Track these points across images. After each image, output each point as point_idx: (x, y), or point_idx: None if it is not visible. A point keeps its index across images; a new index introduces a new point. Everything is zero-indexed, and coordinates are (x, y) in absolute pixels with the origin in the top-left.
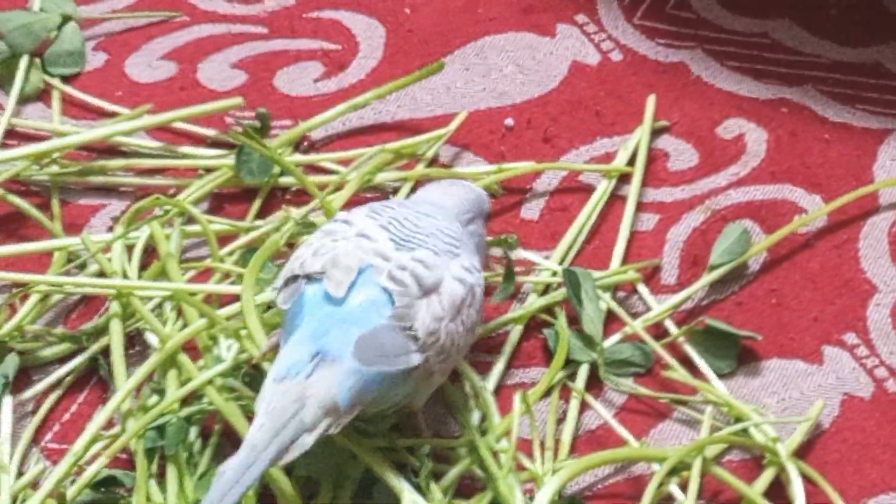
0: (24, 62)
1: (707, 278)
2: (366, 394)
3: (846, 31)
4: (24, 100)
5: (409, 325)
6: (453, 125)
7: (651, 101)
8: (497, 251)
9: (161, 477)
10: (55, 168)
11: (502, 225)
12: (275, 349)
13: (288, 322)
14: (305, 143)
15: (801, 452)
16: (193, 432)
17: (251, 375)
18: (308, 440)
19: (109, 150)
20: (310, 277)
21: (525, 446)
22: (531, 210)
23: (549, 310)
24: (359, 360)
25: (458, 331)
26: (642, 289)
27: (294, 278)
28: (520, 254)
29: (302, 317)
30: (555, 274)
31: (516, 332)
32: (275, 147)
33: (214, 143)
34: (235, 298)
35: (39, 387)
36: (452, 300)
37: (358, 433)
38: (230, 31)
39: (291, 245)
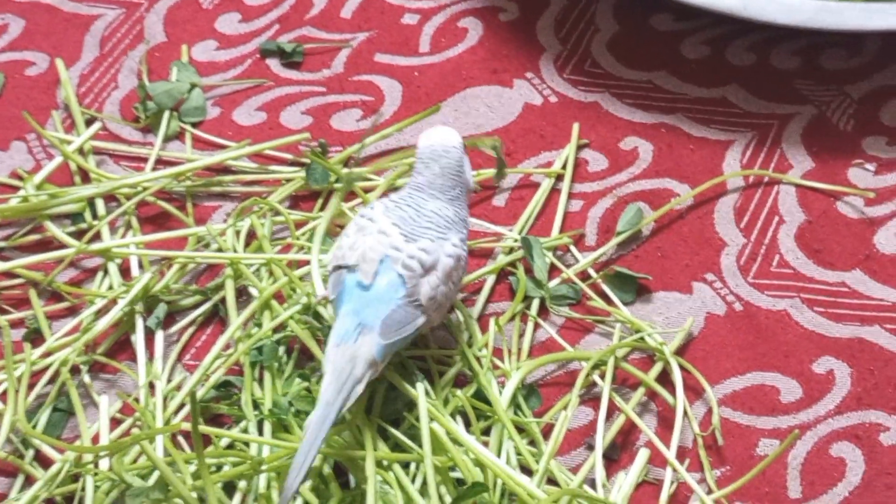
0: (166, 115)
1: (615, 241)
2: (392, 349)
3: (702, 77)
4: (167, 139)
5: (416, 299)
6: None
7: (575, 128)
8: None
9: (260, 380)
10: (188, 182)
11: (481, 210)
12: (325, 299)
13: (336, 301)
14: (351, 161)
15: (679, 352)
16: (282, 350)
17: (317, 313)
18: (359, 389)
19: (224, 169)
20: (349, 268)
21: (498, 353)
22: (500, 199)
23: (512, 264)
24: (383, 337)
25: (448, 289)
26: (573, 249)
27: (337, 268)
28: (491, 227)
29: (344, 298)
30: (516, 241)
31: (491, 279)
32: (332, 164)
33: (292, 163)
34: (306, 263)
35: (181, 324)
36: (445, 271)
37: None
38: (301, 91)
39: (340, 226)
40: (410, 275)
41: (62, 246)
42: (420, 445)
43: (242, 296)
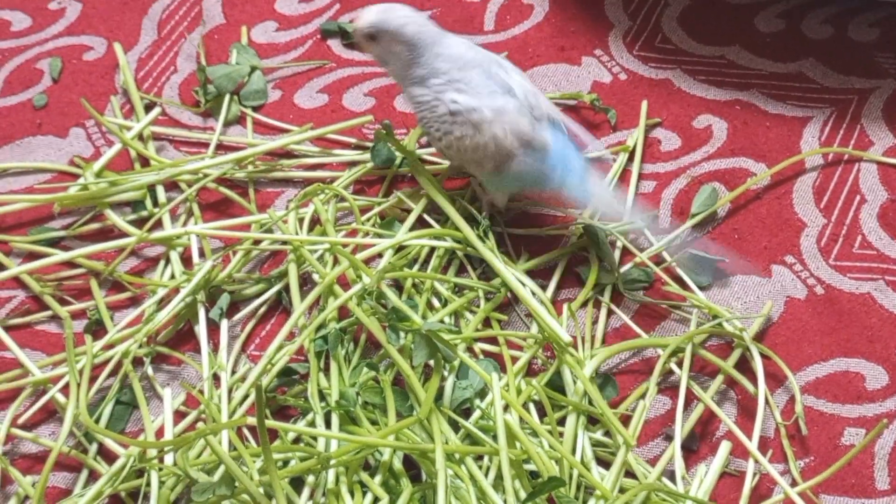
0: (227, 99)
1: (690, 223)
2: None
3: (778, 52)
4: (227, 124)
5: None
6: None
7: (644, 106)
8: None
9: (326, 371)
10: (250, 168)
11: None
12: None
13: (563, 181)
14: (416, 144)
15: (759, 337)
16: (348, 340)
17: (384, 297)
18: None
19: (286, 154)
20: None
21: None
22: None
23: (584, 249)
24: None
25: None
26: (647, 231)
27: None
28: (563, 212)
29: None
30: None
31: (561, 265)
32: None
33: (356, 147)
34: (370, 247)
35: (244, 313)
36: (532, 90)
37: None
38: (363, 72)
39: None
40: (541, 114)
41: (123, 235)
42: (491, 436)
43: (307, 284)
